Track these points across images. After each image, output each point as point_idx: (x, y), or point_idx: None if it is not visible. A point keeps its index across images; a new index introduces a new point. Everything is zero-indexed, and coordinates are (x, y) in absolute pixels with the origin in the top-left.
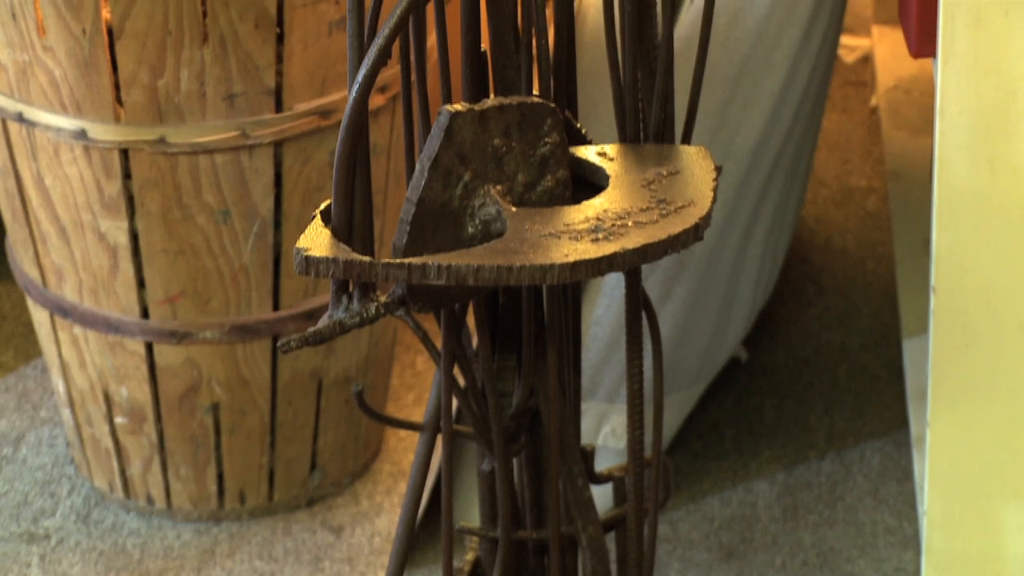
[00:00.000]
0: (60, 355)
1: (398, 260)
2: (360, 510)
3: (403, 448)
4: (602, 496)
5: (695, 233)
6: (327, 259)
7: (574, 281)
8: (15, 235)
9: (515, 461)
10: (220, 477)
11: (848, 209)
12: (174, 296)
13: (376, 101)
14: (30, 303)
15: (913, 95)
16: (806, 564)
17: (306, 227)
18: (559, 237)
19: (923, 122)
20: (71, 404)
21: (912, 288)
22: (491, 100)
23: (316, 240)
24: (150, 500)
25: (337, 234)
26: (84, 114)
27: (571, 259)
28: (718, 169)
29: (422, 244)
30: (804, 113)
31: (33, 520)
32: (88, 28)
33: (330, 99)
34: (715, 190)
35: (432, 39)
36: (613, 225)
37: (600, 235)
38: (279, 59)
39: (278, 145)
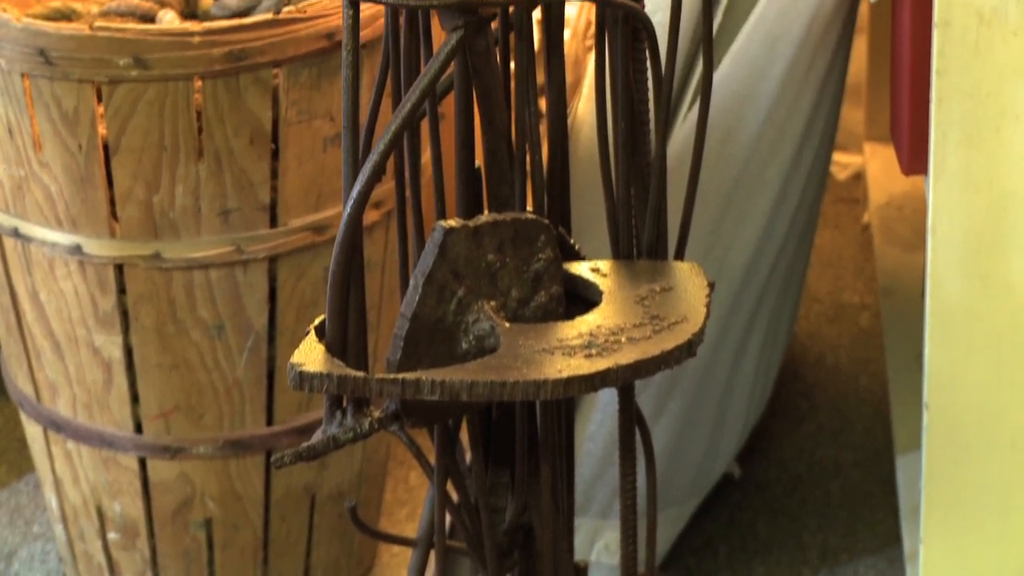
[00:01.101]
0: (53, 470)
1: (392, 375)
2: None
3: (397, 564)
4: None
5: (688, 349)
6: (321, 374)
7: (568, 397)
8: (9, 350)
9: None
10: None
11: (841, 325)
12: (168, 411)
13: (370, 217)
14: (24, 418)
15: (905, 212)
16: None
17: (300, 342)
18: (552, 353)
19: (915, 239)
20: (64, 519)
21: (905, 404)
22: (485, 216)
23: (310, 355)
24: None
25: (331, 349)
26: (79, 229)
27: (564, 375)
28: (711, 285)
29: (416, 359)
30: (797, 230)
31: None
32: (84, 144)
33: (324, 215)
34: (708, 306)
35: (427, 155)
36: (606, 341)
37: (593, 351)
38: (274, 175)
39: (272, 260)
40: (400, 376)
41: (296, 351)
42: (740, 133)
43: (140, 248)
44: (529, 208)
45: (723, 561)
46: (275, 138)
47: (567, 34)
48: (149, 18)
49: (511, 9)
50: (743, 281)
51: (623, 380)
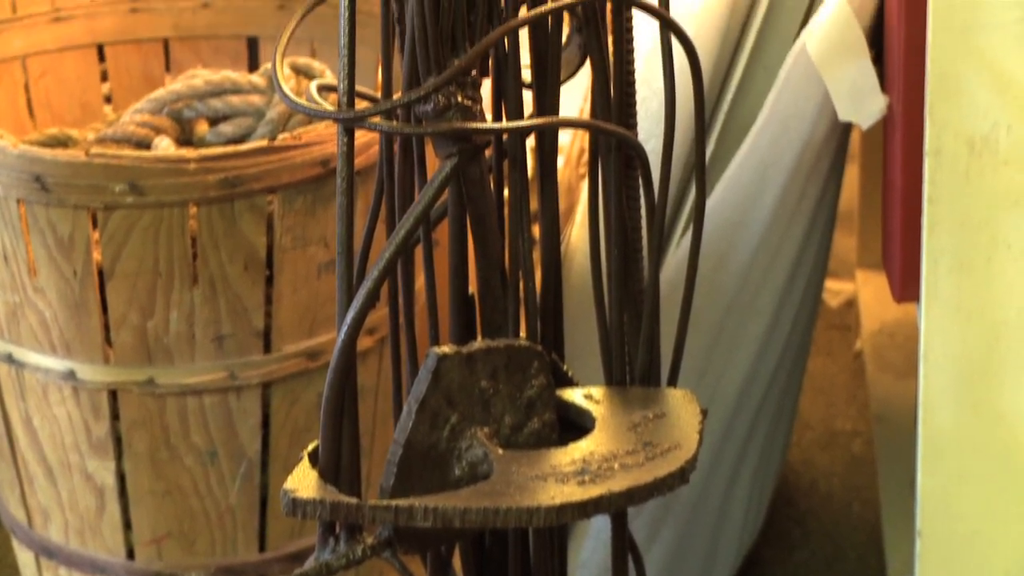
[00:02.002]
0: None
1: (385, 502)
2: None
3: None
4: None
5: (681, 476)
6: (314, 501)
7: (560, 524)
8: (1, 476)
9: None
10: None
11: (833, 452)
12: (160, 537)
13: (364, 343)
14: (15, 544)
15: (897, 339)
16: None
17: (293, 468)
18: (545, 480)
19: (908, 366)
20: None
21: (898, 532)
22: (478, 343)
23: (303, 481)
24: None
25: (324, 475)
26: (73, 355)
27: (557, 501)
28: (704, 412)
29: (409, 486)
30: (789, 357)
31: None
32: (79, 270)
33: (318, 341)
34: (701, 433)
35: (420, 281)
36: (599, 468)
37: (586, 478)
38: (268, 301)
39: (266, 386)
40: (393, 503)
41: (289, 477)
42: (733, 260)
43: (134, 374)
44: (522, 335)
45: None
46: (269, 264)
47: (560, 161)
48: (145, 145)
49: (505, 136)
50: (736, 408)
51: (616, 507)
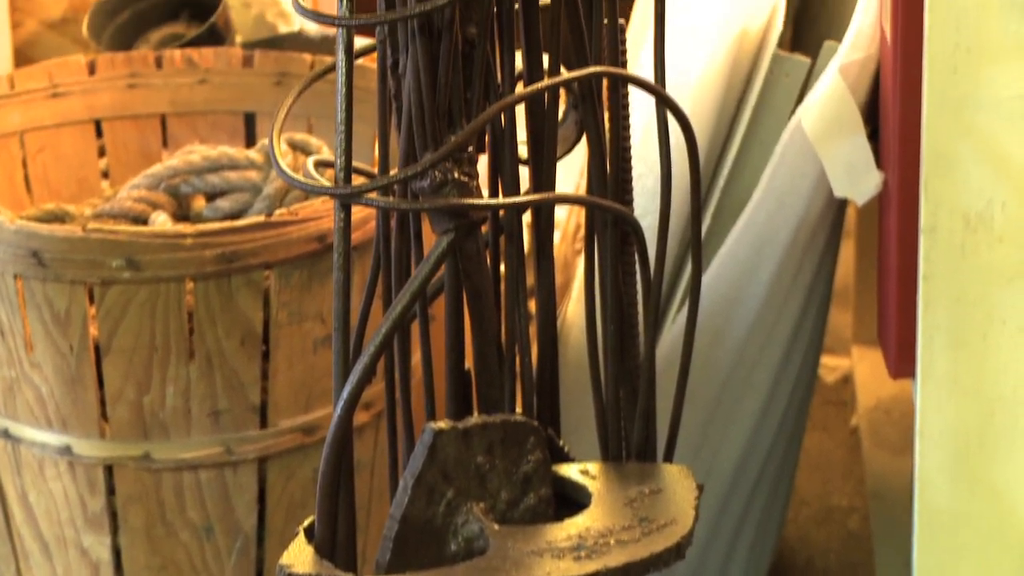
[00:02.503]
0: None
1: None
2: None
3: None
4: None
5: (677, 552)
6: None
7: None
8: None
9: None
10: None
11: (830, 529)
12: None
13: (360, 418)
14: None
15: (893, 415)
16: None
17: (289, 543)
18: (541, 555)
19: (904, 442)
20: None
21: None
22: (474, 418)
23: (299, 557)
24: None
25: (320, 551)
26: (69, 430)
27: None
28: (700, 488)
29: (404, 561)
30: (785, 432)
31: None
32: (75, 345)
33: (314, 416)
34: (697, 508)
35: (416, 357)
36: (595, 543)
37: (582, 553)
38: (264, 376)
39: (262, 461)
40: None
41: (285, 553)
42: (728, 336)
43: (130, 449)
44: (518, 410)
45: None
46: (266, 339)
47: (557, 236)
48: (142, 220)
49: (501, 212)
50: (732, 483)
51: None
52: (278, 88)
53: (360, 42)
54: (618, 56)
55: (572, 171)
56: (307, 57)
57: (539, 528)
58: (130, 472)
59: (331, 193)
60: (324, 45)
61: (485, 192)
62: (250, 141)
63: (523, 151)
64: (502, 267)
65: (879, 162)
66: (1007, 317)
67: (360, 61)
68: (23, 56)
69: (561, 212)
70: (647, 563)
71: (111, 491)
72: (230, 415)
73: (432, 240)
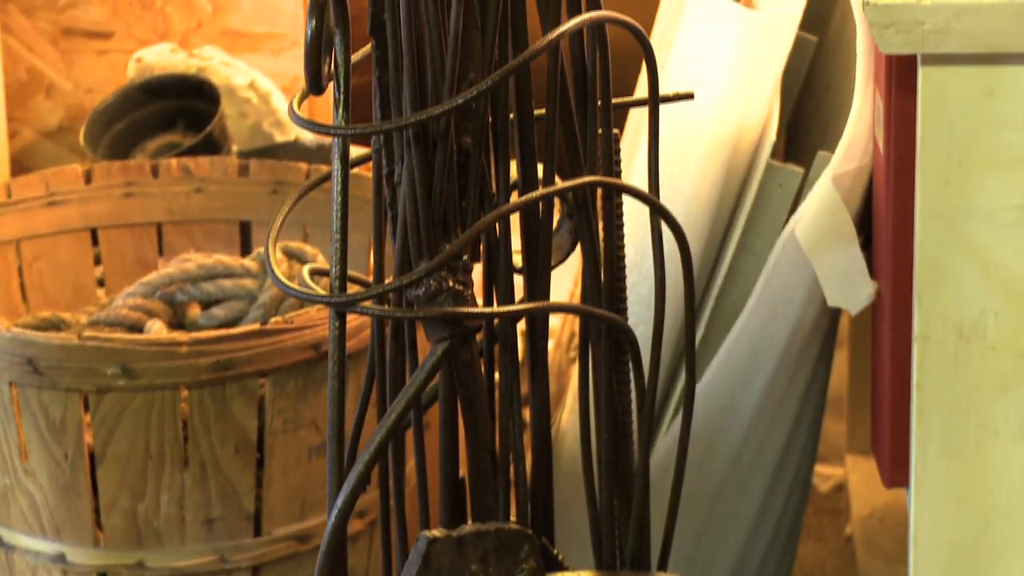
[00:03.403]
0: None
1: None
2: None
3: None
4: None
5: None
6: None
7: None
8: None
9: None
10: None
11: None
12: None
13: (354, 526)
14: None
15: (888, 524)
16: None
17: None
18: None
19: (898, 551)
20: None
21: None
22: (469, 526)
23: None
24: None
25: None
26: (63, 537)
27: None
28: None
29: None
30: (779, 541)
31: None
32: (70, 453)
33: (309, 524)
34: None
35: (411, 464)
36: None
37: None
38: (259, 484)
39: (256, 570)
40: None
41: None
42: (722, 445)
43: (124, 557)
44: (512, 518)
45: None
46: (260, 447)
47: (551, 345)
48: (137, 328)
49: (496, 321)
50: None
51: None
52: (274, 197)
53: (356, 151)
54: (612, 165)
55: (566, 278)
56: (303, 166)
57: None
58: None
59: (326, 301)
60: (320, 154)
61: (480, 300)
62: (246, 249)
63: (518, 259)
64: (496, 375)
65: (872, 272)
66: (1001, 427)
67: (356, 170)
68: (20, 165)
69: (555, 320)
70: None
71: None
72: (224, 523)
73: (427, 348)
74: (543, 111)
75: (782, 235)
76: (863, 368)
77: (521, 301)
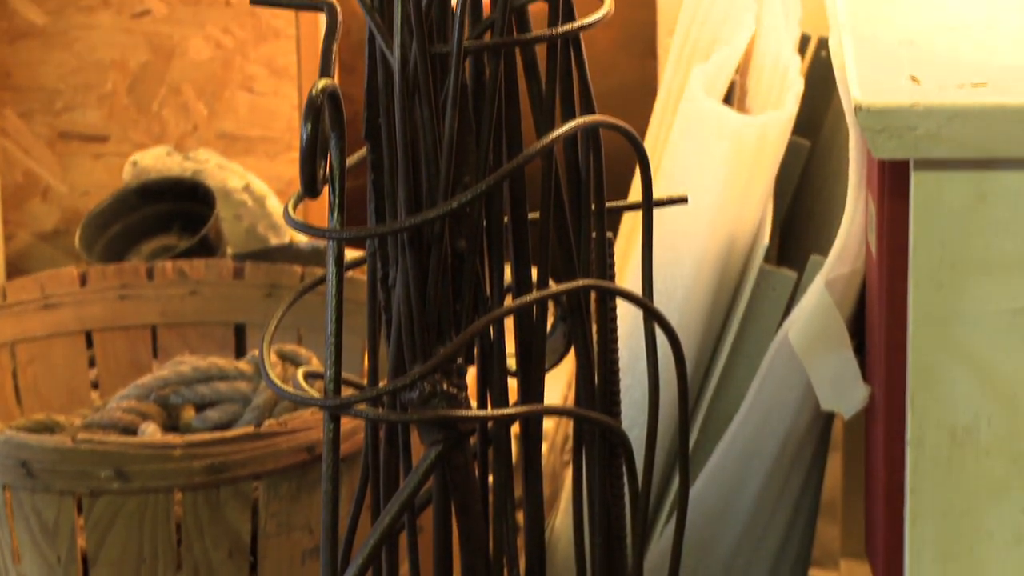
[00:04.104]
0: None
1: None
2: None
3: None
4: None
5: None
6: None
7: None
8: None
9: None
10: None
11: None
12: None
13: None
14: None
15: None
16: None
17: None
18: None
19: None
20: None
21: None
22: None
23: None
24: None
25: None
26: None
27: None
28: None
29: None
30: None
31: None
32: (63, 556)
33: None
34: None
35: (404, 568)
36: None
37: None
38: None
39: None
40: None
41: None
42: (716, 549)
43: None
44: None
45: None
46: (254, 550)
47: (545, 447)
48: (131, 430)
49: (490, 424)
50: None
51: None
52: (268, 299)
53: (351, 254)
54: (606, 269)
55: (560, 381)
56: (297, 269)
57: None
58: None
59: (320, 404)
60: (314, 257)
61: (474, 403)
62: (240, 352)
63: (512, 362)
64: (490, 478)
65: (866, 375)
66: (995, 531)
67: (350, 273)
68: (15, 268)
69: (549, 423)
70: None
71: None
72: None
73: (421, 451)
74: (537, 214)
75: (775, 339)
76: (857, 472)
77: (515, 404)
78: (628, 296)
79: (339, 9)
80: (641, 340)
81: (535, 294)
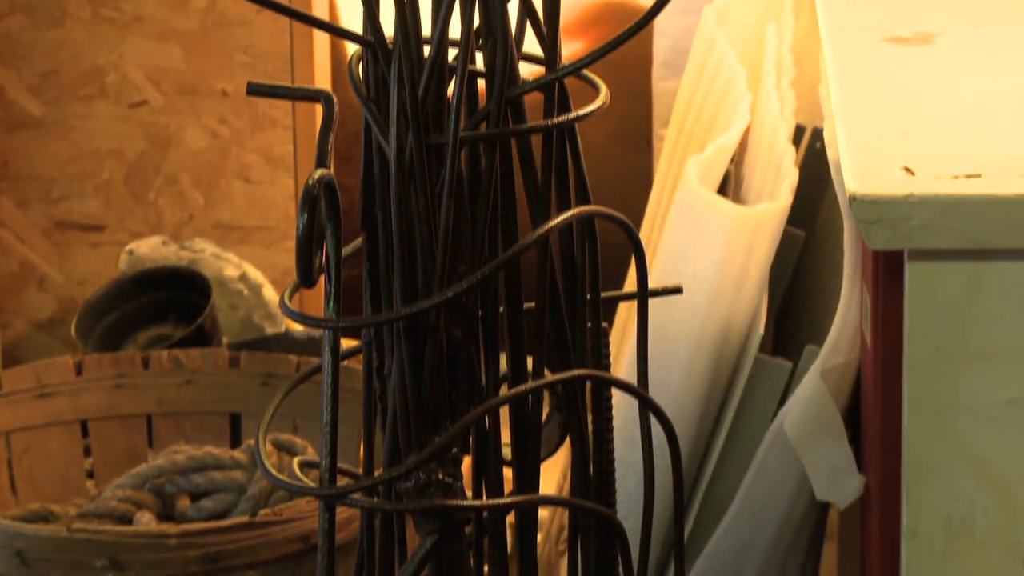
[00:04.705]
0: None
1: None
2: None
3: None
4: None
5: None
6: None
7: None
8: None
9: None
10: None
11: None
12: None
13: None
14: None
15: None
16: None
17: None
18: None
19: None
20: None
21: None
22: None
23: None
24: None
25: None
26: None
27: None
28: None
29: None
30: None
31: None
32: None
33: None
34: None
35: None
36: None
37: None
38: None
39: None
40: None
41: None
42: None
43: None
44: None
45: None
46: None
47: (540, 537)
48: (126, 520)
49: (485, 513)
50: None
51: None
52: (264, 389)
53: (346, 343)
54: (601, 359)
55: (555, 471)
56: (293, 358)
57: None
58: None
59: (315, 494)
60: (310, 346)
61: (469, 493)
62: (235, 441)
63: (507, 452)
64: (485, 568)
65: (861, 465)
66: None
67: (346, 362)
68: (11, 357)
69: (544, 512)
70: None
71: None
72: None
73: (416, 540)
74: (533, 304)
75: (770, 429)
76: (853, 562)
77: (510, 494)
78: (623, 386)
79: (335, 99)
80: (636, 429)
81: (530, 384)
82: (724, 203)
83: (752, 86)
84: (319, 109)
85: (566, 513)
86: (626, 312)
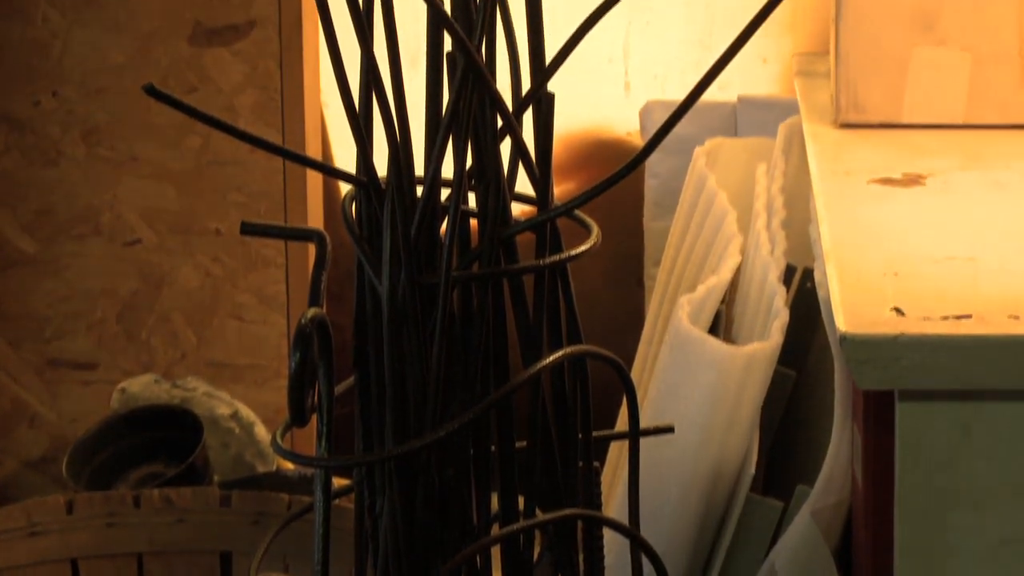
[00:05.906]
0: None
1: None
2: None
3: None
4: None
5: None
6: None
7: None
8: None
9: None
10: None
11: None
12: None
13: None
14: None
15: None
16: None
17: None
18: None
19: None
20: None
21: None
22: None
23: None
24: None
25: None
26: None
27: None
28: None
29: None
30: None
31: None
32: None
33: None
34: None
35: None
36: None
37: None
38: None
39: None
40: None
41: None
42: None
43: None
44: None
45: None
46: None
47: None
48: None
49: None
50: None
51: None
52: (255, 527)
53: (338, 481)
54: (593, 498)
55: None
56: (285, 497)
57: None
58: None
59: None
60: (302, 484)
61: None
62: None
63: None
64: None
65: None
66: None
67: (337, 501)
68: (1, 495)
69: None
70: None
71: None
72: None
73: None
74: (524, 443)
75: (762, 569)
76: None
77: None
78: (615, 526)
79: (328, 239)
80: (628, 569)
81: (522, 523)
82: (715, 343)
83: (742, 226)
84: (312, 248)
85: None
86: (618, 451)
